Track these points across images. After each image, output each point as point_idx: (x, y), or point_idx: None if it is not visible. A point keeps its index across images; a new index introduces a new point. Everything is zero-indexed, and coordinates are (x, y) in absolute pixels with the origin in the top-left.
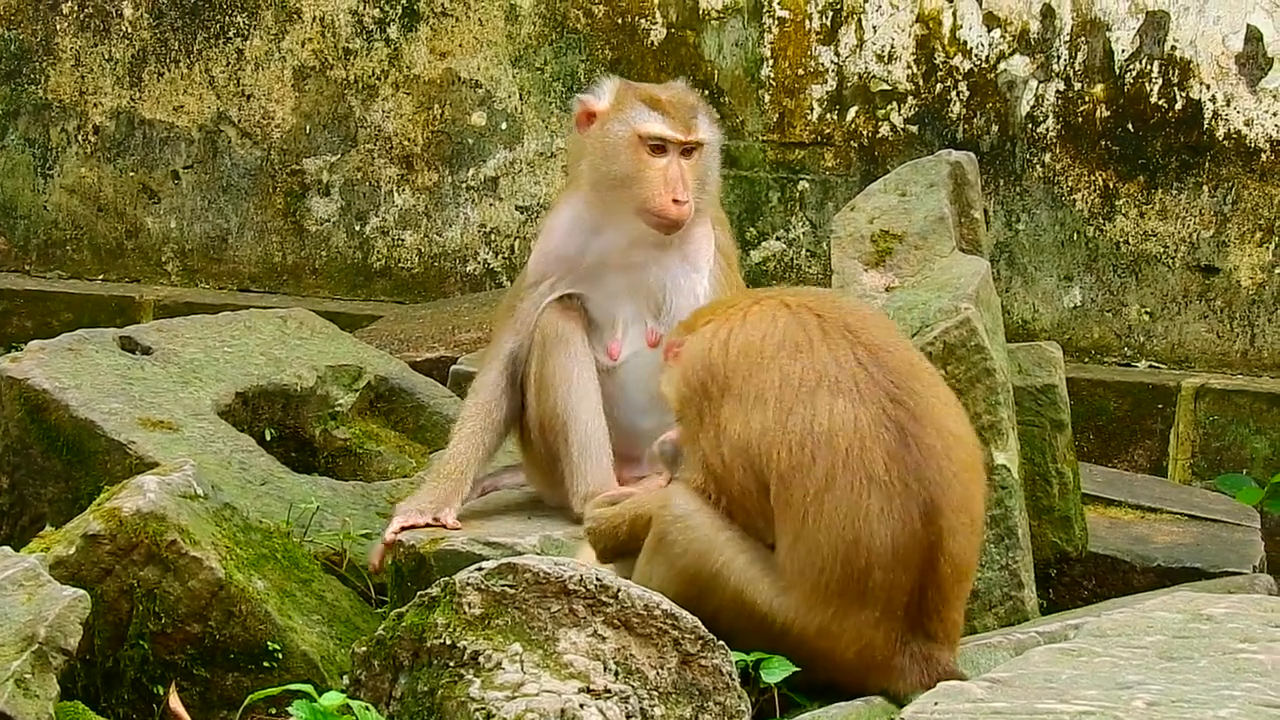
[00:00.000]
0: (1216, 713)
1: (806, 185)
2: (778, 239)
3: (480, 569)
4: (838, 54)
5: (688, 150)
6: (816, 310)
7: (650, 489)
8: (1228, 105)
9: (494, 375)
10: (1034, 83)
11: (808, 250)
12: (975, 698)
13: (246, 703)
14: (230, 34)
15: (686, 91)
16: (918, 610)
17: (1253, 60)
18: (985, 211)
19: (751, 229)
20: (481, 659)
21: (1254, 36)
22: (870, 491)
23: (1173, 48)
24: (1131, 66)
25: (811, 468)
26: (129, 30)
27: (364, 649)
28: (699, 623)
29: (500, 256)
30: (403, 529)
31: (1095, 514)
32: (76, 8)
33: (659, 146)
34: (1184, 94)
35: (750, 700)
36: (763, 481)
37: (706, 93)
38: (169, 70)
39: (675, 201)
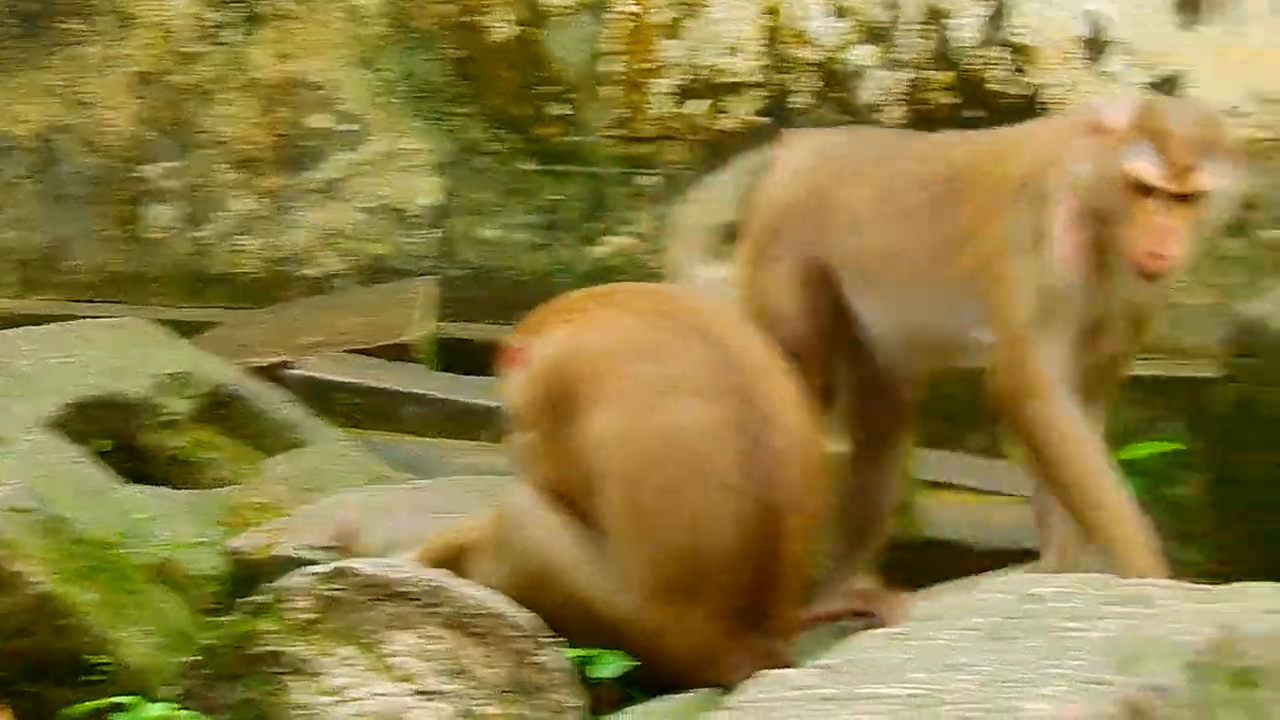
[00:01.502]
0: (1042, 690)
1: (652, 179)
2: (623, 233)
3: (310, 574)
4: (683, 47)
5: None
6: (666, 311)
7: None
8: (1070, 89)
9: None
10: (879, 71)
11: (654, 244)
12: (802, 685)
13: (72, 715)
14: (68, 42)
15: (1207, 125)
16: (756, 608)
17: (1093, 45)
18: None
19: (597, 224)
20: (310, 664)
21: (1094, 21)
22: (718, 494)
23: (1015, 34)
24: (975, 54)
25: (661, 469)
26: None
27: (193, 659)
28: (533, 621)
29: (342, 260)
30: None
31: (934, 498)
32: None
33: (1148, 189)
34: (1026, 79)
35: (587, 696)
36: (610, 482)
37: (552, 89)
38: (6, 80)
39: (1155, 255)
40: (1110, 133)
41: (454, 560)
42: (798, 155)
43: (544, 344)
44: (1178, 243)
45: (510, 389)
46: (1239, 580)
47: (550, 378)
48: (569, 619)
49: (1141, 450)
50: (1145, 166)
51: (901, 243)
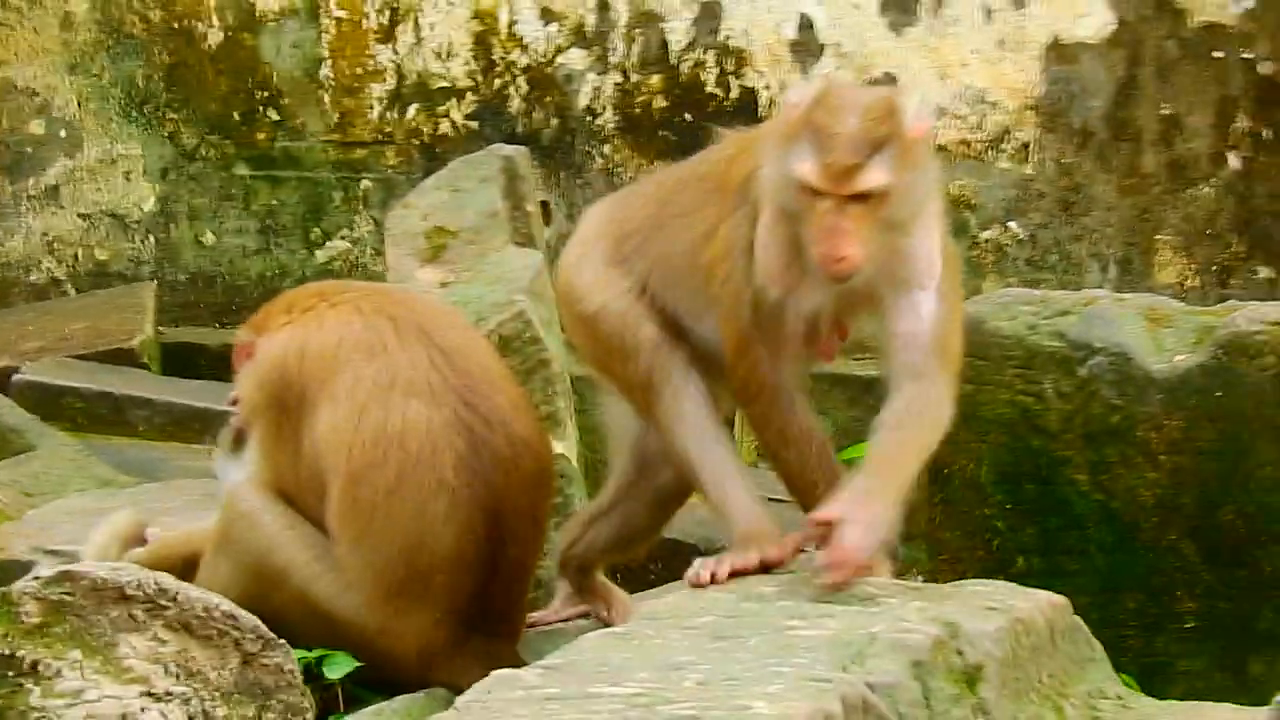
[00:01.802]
0: (765, 689)
1: (369, 184)
2: (342, 238)
3: (37, 578)
4: (396, 52)
5: (856, 199)
6: (391, 313)
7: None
8: (782, 91)
9: None
10: (592, 75)
11: (373, 249)
12: (528, 685)
13: None
14: None
15: (882, 115)
16: (479, 610)
17: (805, 47)
18: (545, 204)
19: (316, 229)
20: (41, 667)
21: (806, 24)
22: (438, 495)
23: (727, 37)
24: (687, 56)
25: (382, 468)
26: None
27: None
28: (259, 622)
29: (64, 265)
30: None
31: None
32: None
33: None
34: (739, 81)
35: (315, 697)
36: (333, 480)
37: (265, 94)
38: None
39: (836, 256)
40: (787, 127)
41: (185, 562)
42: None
43: (271, 343)
44: (853, 243)
45: (241, 386)
46: (958, 577)
47: (277, 377)
48: (298, 619)
49: (859, 451)
50: (807, 168)
51: (677, 249)
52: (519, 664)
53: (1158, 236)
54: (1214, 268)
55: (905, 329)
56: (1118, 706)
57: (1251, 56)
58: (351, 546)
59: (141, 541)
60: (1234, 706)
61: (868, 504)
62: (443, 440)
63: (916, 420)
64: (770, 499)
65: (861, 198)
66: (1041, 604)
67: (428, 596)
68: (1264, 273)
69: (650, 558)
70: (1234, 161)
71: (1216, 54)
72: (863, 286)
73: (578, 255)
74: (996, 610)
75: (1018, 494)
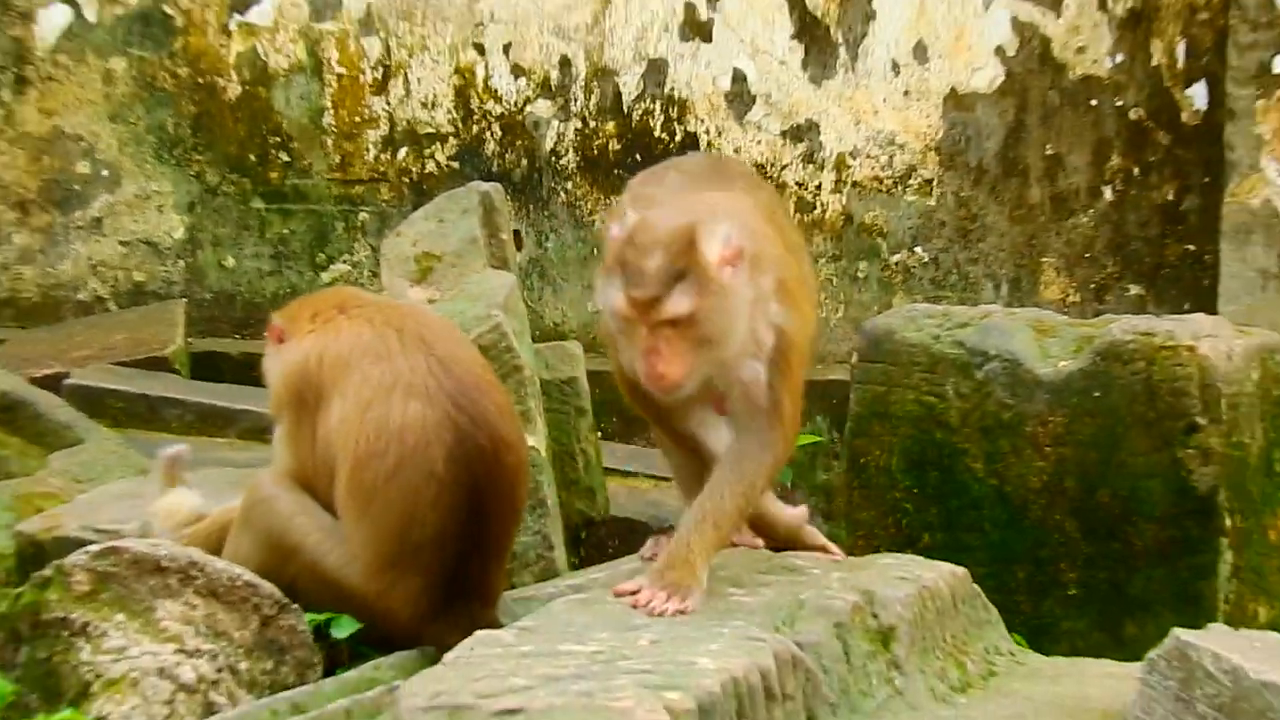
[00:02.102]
0: (709, 646)
1: (366, 216)
2: (344, 262)
3: (87, 552)
4: (389, 103)
5: (666, 325)
6: (398, 325)
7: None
8: (719, 135)
9: None
10: (556, 122)
11: (370, 271)
12: (506, 643)
13: None
14: None
15: (684, 247)
16: (462, 579)
17: (739, 98)
18: (517, 233)
19: (321, 254)
20: (90, 628)
21: (739, 78)
22: (429, 482)
23: (672, 89)
24: (638, 106)
25: (383, 457)
26: None
27: None
28: (276, 590)
29: (107, 285)
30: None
31: (617, 484)
32: None
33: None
34: (683, 127)
35: (323, 654)
36: (341, 465)
37: (277, 139)
38: None
39: (659, 374)
40: (607, 260)
41: (217, 538)
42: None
43: (297, 348)
44: (670, 363)
45: (270, 374)
46: (872, 551)
47: (299, 377)
48: (307, 587)
49: (807, 438)
50: (619, 301)
51: None
52: (498, 626)
53: (1043, 259)
54: (1091, 286)
55: (737, 394)
56: (1011, 662)
57: (1122, 104)
58: (354, 522)
59: (199, 517)
60: (1111, 662)
61: (676, 578)
62: (435, 436)
63: (736, 468)
64: None
65: (670, 323)
66: (945, 574)
67: (417, 567)
68: (1134, 290)
69: (608, 535)
70: (1108, 194)
71: (1093, 102)
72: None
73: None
74: (906, 580)
75: (923, 479)
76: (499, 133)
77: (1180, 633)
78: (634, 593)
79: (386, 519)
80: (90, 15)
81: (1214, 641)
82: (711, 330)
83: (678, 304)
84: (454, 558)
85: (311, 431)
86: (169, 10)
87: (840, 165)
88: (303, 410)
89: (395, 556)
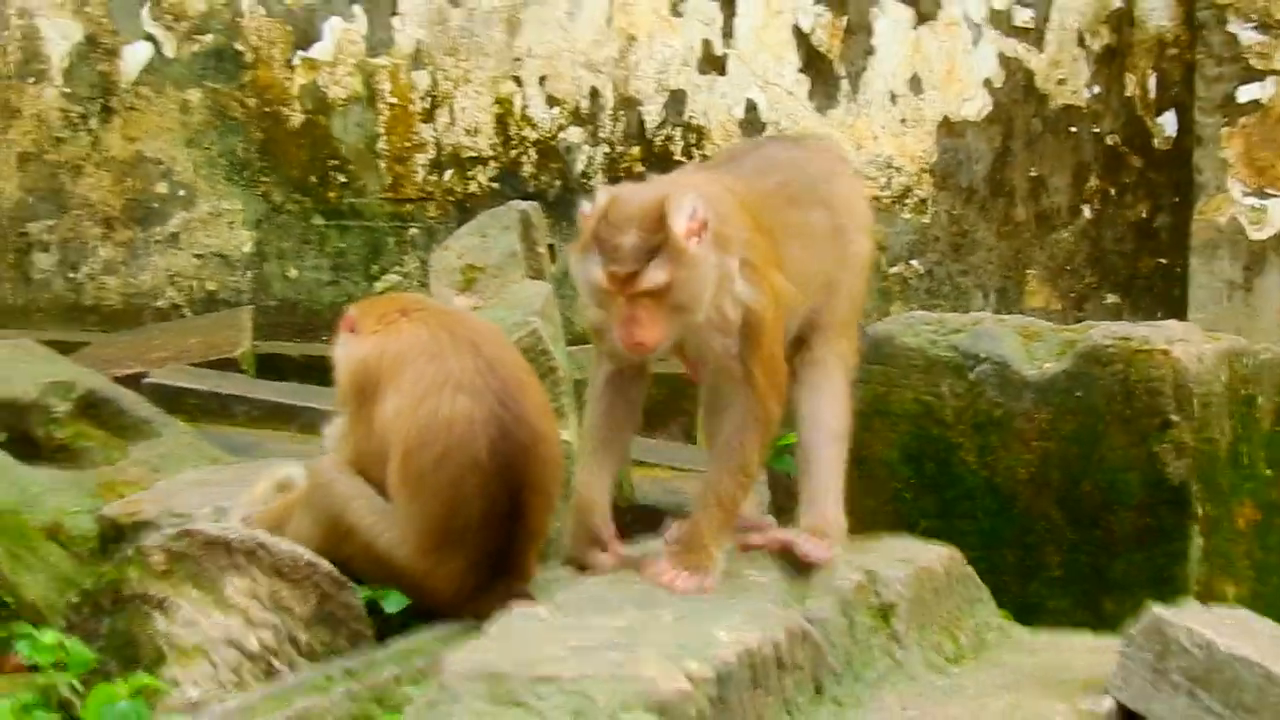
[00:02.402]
0: (726, 621)
1: (415, 231)
2: (395, 273)
3: (163, 534)
4: (435, 130)
5: (643, 296)
6: (451, 329)
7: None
8: None
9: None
10: (586, 147)
11: (419, 281)
12: (541, 617)
13: None
14: None
15: (655, 222)
16: (501, 560)
17: (752, 125)
18: (551, 247)
19: (374, 266)
20: (166, 603)
21: (751, 107)
22: (473, 471)
23: (690, 117)
24: (660, 132)
25: (432, 446)
26: None
27: (75, 598)
28: (333, 568)
29: (182, 293)
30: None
31: (641, 474)
32: None
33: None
34: (700, 152)
35: (374, 625)
36: (394, 452)
37: (335, 162)
38: None
39: (636, 342)
40: (582, 237)
41: (285, 519)
42: None
43: (362, 345)
44: (648, 330)
45: (339, 363)
46: (874, 536)
47: (361, 372)
48: (362, 565)
49: (794, 438)
50: (596, 274)
51: None
52: (534, 600)
53: (1028, 271)
54: (1072, 295)
55: (713, 369)
56: (1000, 636)
57: (1099, 131)
58: (404, 506)
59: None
60: (1092, 636)
61: (693, 561)
62: (480, 429)
63: (728, 448)
64: None
65: (646, 294)
66: (941, 556)
67: (461, 549)
68: (1111, 299)
69: (633, 521)
70: (1087, 213)
71: (1072, 129)
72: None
73: None
74: (906, 561)
75: (920, 471)
76: (535, 156)
77: (1157, 609)
78: (658, 572)
79: (434, 504)
80: (169, 51)
81: (1188, 618)
82: (683, 298)
83: (654, 276)
84: (494, 540)
85: (369, 421)
86: (240, 47)
87: None
88: (362, 401)
89: (441, 538)
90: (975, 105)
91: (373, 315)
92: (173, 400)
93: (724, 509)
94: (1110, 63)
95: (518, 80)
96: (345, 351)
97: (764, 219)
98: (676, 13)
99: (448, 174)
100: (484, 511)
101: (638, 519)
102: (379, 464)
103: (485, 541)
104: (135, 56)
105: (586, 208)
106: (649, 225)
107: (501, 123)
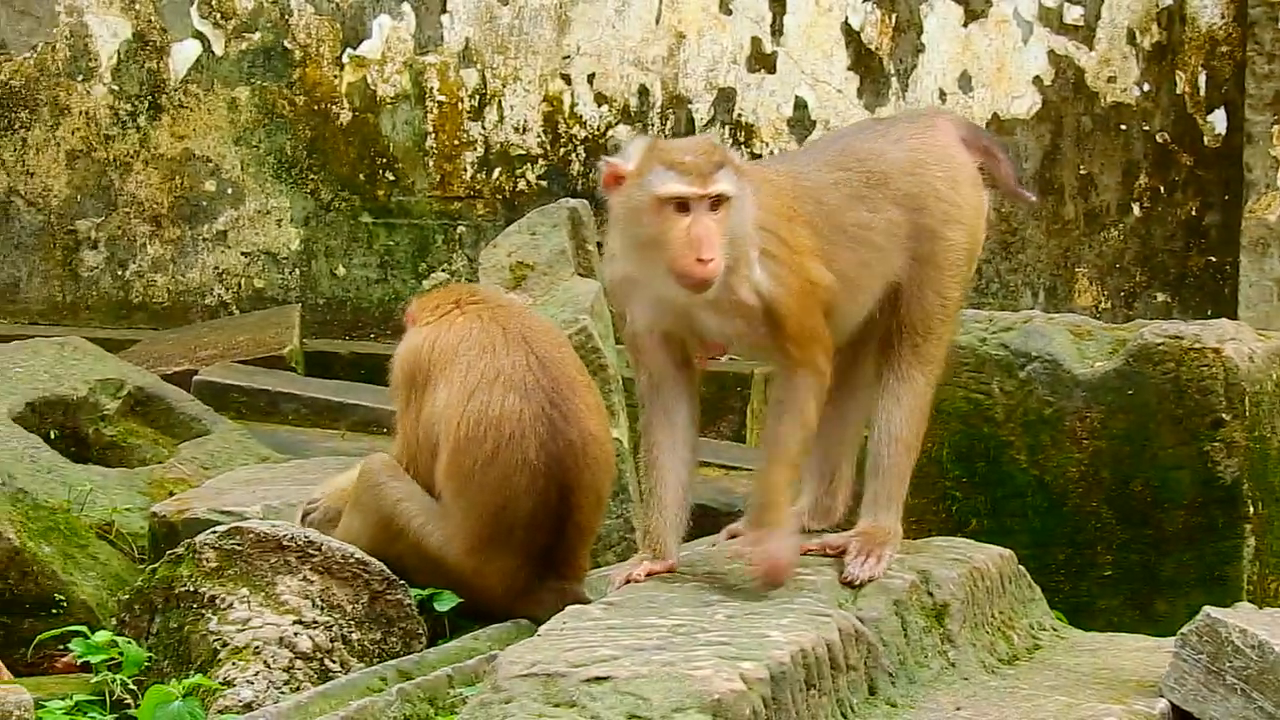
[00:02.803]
0: (779, 621)
1: (464, 229)
2: (443, 271)
3: (214, 532)
4: (484, 128)
5: (714, 204)
6: (504, 323)
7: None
8: None
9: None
10: (624, 146)
11: (466, 278)
12: (595, 617)
13: (37, 640)
14: (16, 126)
15: (712, 147)
16: (551, 558)
17: (800, 123)
18: (599, 245)
19: (422, 264)
20: (217, 601)
21: (800, 105)
22: (522, 470)
23: (739, 115)
24: (709, 130)
25: (482, 443)
26: None
27: (127, 597)
28: (384, 567)
29: (231, 291)
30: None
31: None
32: None
33: (682, 205)
34: (749, 150)
35: (426, 625)
36: (443, 445)
37: (384, 160)
38: None
39: (700, 261)
40: (627, 175)
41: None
42: None
43: (416, 335)
44: (714, 246)
45: (393, 365)
46: (925, 535)
47: (411, 362)
48: (412, 563)
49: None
50: (672, 182)
51: None
52: (584, 601)
53: (1077, 269)
54: (1121, 294)
55: (747, 346)
56: (1053, 636)
57: (1149, 129)
58: (453, 502)
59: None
60: (1145, 637)
61: (769, 518)
62: (529, 428)
63: (778, 409)
64: None
65: (716, 205)
66: (993, 556)
67: (511, 547)
68: (1160, 297)
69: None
70: (1137, 211)
71: (1122, 126)
72: (689, 318)
73: None
74: (958, 561)
75: (971, 470)
76: (583, 154)
77: (1211, 610)
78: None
79: (483, 501)
80: (218, 49)
81: (1241, 618)
82: (736, 225)
83: (725, 182)
84: (544, 539)
85: (418, 411)
86: (288, 45)
87: None
88: (412, 391)
89: (490, 536)
90: (1025, 103)
91: (429, 306)
92: (221, 398)
93: (791, 467)
94: (1160, 60)
95: (566, 78)
96: (402, 342)
97: (808, 212)
98: (726, 10)
99: (496, 172)
100: (533, 510)
101: (692, 517)
102: (426, 454)
103: (535, 540)
104: (184, 54)
105: (622, 156)
106: (706, 148)
107: (550, 121)
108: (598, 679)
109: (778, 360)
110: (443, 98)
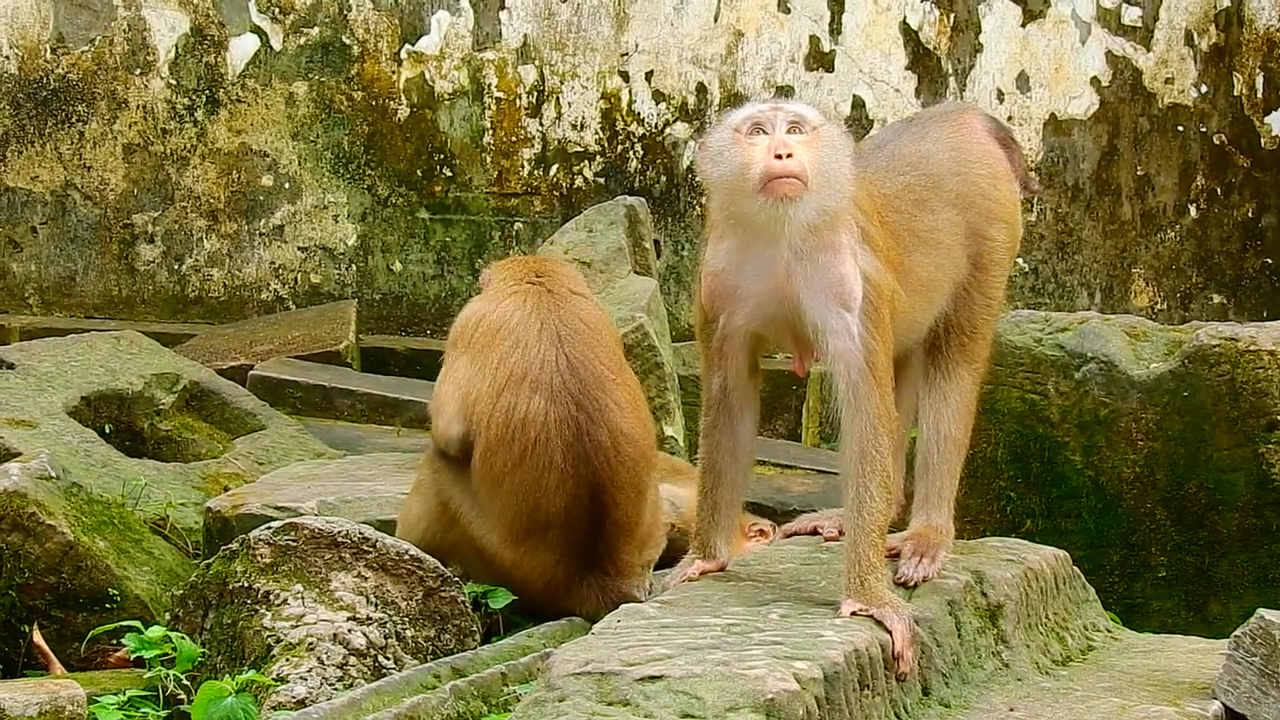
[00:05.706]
0: (834, 622)
1: (521, 226)
2: None
3: (269, 528)
4: (542, 124)
5: (792, 128)
6: (543, 316)
7: None
8: None
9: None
10: (692, 143)
11: None
12: (649, 615)
13: (90, 635)
14: (73, 120)
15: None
16: (591, 555)
17: (858, 122)
18: (656, 242)
19: (479, 260)
20: (272, 597)
21: (859, 104)
22: (549, 472)
23: None
24: None
25: (510, 446)
26: None
27: (181, 592)
28: (438, 564)
29: (287, 286)
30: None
31: None
32: None
33: (757, 127)
34: None
35: (480, 622)
36: (476, 444)
37: (441, 156)
38: (27, 149)
39: (778, 157)
40: (715, 126)
41: None
42: None
43: (473, 303)
44: (796, 149)
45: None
46: (979, 535)
47: (461, 327)
48: (465, 553)
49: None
50: (751, 109)
51: None
52: (631, 594)
53: (1133, 270)
54: (1177, 295)
55: (836, 349)
56: (1107, 637)
57: (1206, 130)
58: (489, 499)
59: None
60: (1198, 639)
61: (869, 583)
62: (555, 432)
63: (859, 470)
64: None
65: (796, 125)
66: (1047, 556)
67: (547, 543)
68: (1217, 299)
69: None
70: (1193, 212)
71: (1179, 128)
72: (790, 306)
73: None
74: (1012, 561)
75: (1026, 470)
76: (640, 152)
77: (1265, 613)
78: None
79: (515, 499)
80: (276, 44)
81: None
82: (823, 158)
83: (805, 109)
84: (580, 535)
85: (450, 373)
86: (346, 40)
87: None
88: (453, 352)
89: (525, 532)
90: (1082, 104)
91: (498, 276)
92: (277, 393)
93: (881, 535)
94: (1218, 62)
95: (624, 75)
96: (469, 303)
97: (890, 221)
98: (784, 9)
99: (553, 169)
100: (564, 508)
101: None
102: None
103: (570, 536)
104: (242, 49)
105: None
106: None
107: (608, 118)
108: (651, 678)
109: (859, 384)
110: (501, 94)
